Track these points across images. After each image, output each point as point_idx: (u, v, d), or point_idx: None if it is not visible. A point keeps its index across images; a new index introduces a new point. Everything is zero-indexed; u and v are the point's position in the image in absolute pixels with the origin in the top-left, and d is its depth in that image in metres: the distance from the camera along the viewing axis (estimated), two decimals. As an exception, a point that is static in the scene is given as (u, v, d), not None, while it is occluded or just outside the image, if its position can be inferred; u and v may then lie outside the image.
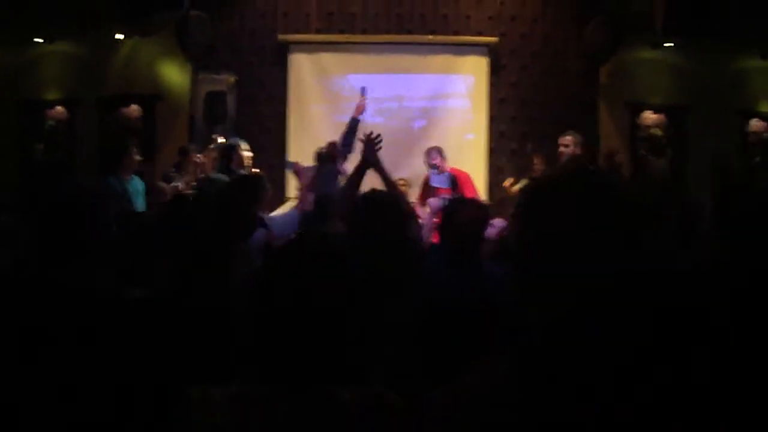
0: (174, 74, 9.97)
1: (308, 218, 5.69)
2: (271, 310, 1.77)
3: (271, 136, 9.68)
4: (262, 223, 5.00)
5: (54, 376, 2.51)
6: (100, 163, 9.55)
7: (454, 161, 8.24)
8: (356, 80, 9.48)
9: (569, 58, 9.87)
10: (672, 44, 9.44)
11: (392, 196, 4.54)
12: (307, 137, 9.47)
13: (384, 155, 9.04)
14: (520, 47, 9.93)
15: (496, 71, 9.88)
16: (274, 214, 6.00)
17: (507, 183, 8.42)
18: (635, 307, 1.49)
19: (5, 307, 2.64)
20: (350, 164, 6.00)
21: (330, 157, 7.33)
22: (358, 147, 5.48)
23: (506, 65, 9.94)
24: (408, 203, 6.43)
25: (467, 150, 9.59)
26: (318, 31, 9.92)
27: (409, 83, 9.85)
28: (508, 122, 9.85)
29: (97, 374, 2.53)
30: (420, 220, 6.67)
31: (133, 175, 7.80)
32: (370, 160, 4.64)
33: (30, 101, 10.19)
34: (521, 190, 7.92)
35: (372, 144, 5.15)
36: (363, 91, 7.25)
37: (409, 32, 9.89)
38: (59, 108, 10.12)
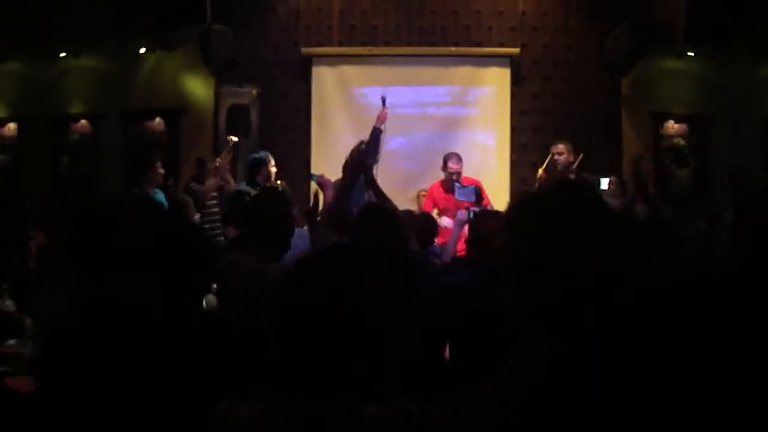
0: (197, 88, 10.03)
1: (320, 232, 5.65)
2: (295, 324, 1.77)
3: (294, 149, 9.71)
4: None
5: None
6: (124, 176, 9.63)
7: (476, 173, 8.25)
8: (379, 92, 9.52)
9: (591, 69, 9.85)
10: (694, 54, 9.42)
11: (392, 209, 4.60)
12: (330, 149, 9.49)
13: (405, 167, 9.14)
14: (542, 58, 9.93)
15: (517, 82, 9.88)
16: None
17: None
18: (636, 312, 1.51)
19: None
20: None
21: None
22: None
23: (528, 76, 9.93)
24: (431, 219, 6.47)
25: (489, 161, 9.59)
26: (340, 44, 9.95)
27: (432, 95, 9.86)
28: (530, 134, 9.84)
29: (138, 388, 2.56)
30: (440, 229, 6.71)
31: (156, 189, 7.84)
32: (365, 169, 4.69)
33: (55, 115, 10.27)
34: (509, 205, 7.85)
35: (365, 153, 5.21)
36: (383, 100, 7.24)
37: (432, 44, 9.89)
38: (83, 122, 10.22)
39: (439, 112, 9.87)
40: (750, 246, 2.66)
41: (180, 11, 8.69)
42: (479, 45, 9.91)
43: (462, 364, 3.75)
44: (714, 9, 8.46)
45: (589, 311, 1.41)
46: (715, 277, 2.28)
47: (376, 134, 7.04)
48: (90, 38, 9.68)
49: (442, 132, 9.73)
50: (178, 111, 10.03)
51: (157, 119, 10.00)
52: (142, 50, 9.73)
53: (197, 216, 7.56)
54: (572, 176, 7.71)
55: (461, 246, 6.64)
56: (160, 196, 7.86)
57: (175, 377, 2.59)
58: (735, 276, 2.37)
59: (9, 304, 5.75)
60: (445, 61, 9.88)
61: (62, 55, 10.04)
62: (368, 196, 6.05)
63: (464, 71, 9.89)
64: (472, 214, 6.61)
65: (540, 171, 8.29)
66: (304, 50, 9.90)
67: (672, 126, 9.88)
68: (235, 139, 8.13)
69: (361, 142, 6.68)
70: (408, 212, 7.00)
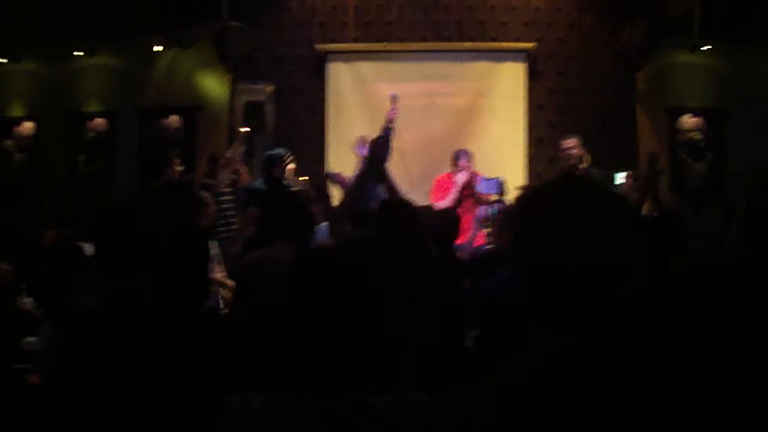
0: (213, 85, 10.06)
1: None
2: (305, 316, 1.81)
3: (310, 145, 9.72)
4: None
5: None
6: (140, 174, 9.67)
7: (492, 168, 8.26)
8: (393, 89, 9.55)
9: (606, 63, 9.84)
10: (709, 48, 9.41)
11: (409, 203, 4.63)
12: (346, 146, 9.48)
13: (421, 162, 9.14)
14: (557, 53, 9.92)
15: (533, 77, 9.88)
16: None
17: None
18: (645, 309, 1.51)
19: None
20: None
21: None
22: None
23: (543, 71, 9.93)
24: (454, 214, 6.49)
25: (506, 157, 9.58)
26: (355, 40, 9.97)
27: (447, 90, 9.86)
28: (546, 129, 9.84)
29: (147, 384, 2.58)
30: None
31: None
32: (380, 161, 4.72)
33: (71, 113, 10.32)
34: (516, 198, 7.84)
35: (381, 146, 5.23)
36: (393, 99, 7.23)
37: (446, 40, 9.90)
38: (99, 120, 10.25)
39: (455, 107, 9.86)
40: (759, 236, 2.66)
41: (195, 8, 8.72)
42: (494, 40, 9.91)
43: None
44: (728, 2, 8.43)
45: (594, 306, 1.41)
46: (721, 270, 2.24)
47: (386, 134, 7.02)
48: (105, 36, 9.71)
49: (457, 127, 9.74)
50: (194, 108, 10.05)
51: (173, 116, 10.01)
52: (158, 48, 9.76)
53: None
54: (582, 171, 7.71)
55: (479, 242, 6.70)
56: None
57: (186, 372, 2.62)
58: (743, 267, 2.35)
59: (27, 302, 5.81)
60: (460, 57, 9.87)
61: (78, 53, 10.08)
62: (381, 190, 6.07)
63: (479, 66, 9.89)
64: (491, 212, 6.65)
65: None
66: (319, 47, 9.92)
67: (687, 120, 9.85)
68: (246, 130, 8.12)
69: (378, 136, 6.70)
70: (427, 208, 7.04)
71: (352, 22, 9.95)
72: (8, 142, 10.26)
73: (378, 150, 6.19)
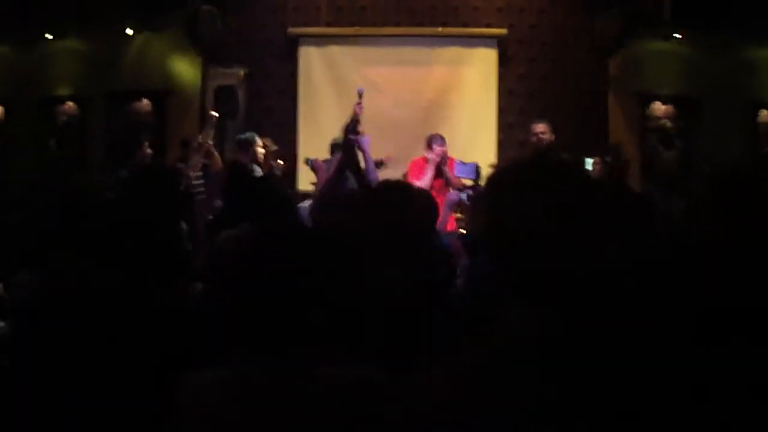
0: (184, 69, 9.99)
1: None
2: (250, 291, 1.81)
3: (281, 130, 9.66)
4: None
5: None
6: (111, 157, 9.61)
7: (463, 153, 8.25)
8: (365, 74, 9.58)
9: (578, 50, 9.86)
10: (681, 36, 9.45)
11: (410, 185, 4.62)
12: (317, 130, 9.50)
13: (393, 147, 9.14)
14: (529, 39, 9.93)
15: (504, 63, 9.89)
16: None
17: None
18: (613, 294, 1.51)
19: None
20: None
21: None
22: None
23: (515, 57, 9.94)
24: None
25: (476, 142, 9.59)
26: (328, 25, 9.94)
27: (419, 75, 9.86)
28: (516, 114, 9.86)
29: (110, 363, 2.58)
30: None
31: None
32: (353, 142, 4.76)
33: (42, 98, 10.24)
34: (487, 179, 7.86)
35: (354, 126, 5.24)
36: (359, 94, 7.16)
37: (420, 24, 9.89)
38: (70, 104, 10.18)
39: (426, 92, 9.86)
40: (719, 219, 2.67)
41: (167, -8, 8.69)
42: (466, 25, 9.91)
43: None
44: (700, -8, 8.51)
45: (567, 284, 1.41)
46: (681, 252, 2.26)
47: (352, 125, 6.91)
48: (76, 20, 9.61)
49: (428, 112, 9.74)
50: (165, 92, 9.98)
51: (144, 101, 9.96)
52: (129, 32, 9.68)
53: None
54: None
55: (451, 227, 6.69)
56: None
57: (139, 353, 2.61)
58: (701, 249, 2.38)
59: (-1, 287, 5.75)
60: (433, 42, 9.87)
61: (48, 37, 9.98)
62: (352, 180, 6.08)
63: (451, 51, 9.89)
64: (466, 197, 6.61)
65: None
66: (292, 31, 9.88)
67: (659, 107, 9.91)
68: (216, 114, 8.07)
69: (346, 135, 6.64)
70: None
71: (325, 6, 9.91)
72: (-23, 127, 10.18)
73: (348, 148, 6.22)
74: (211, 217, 7.26)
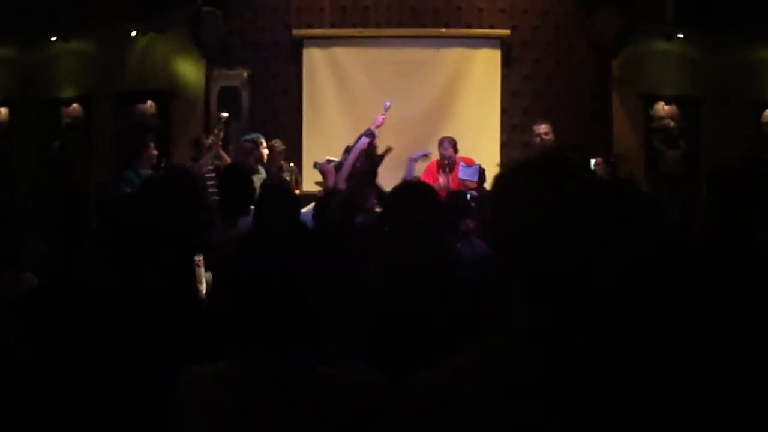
0: (188, 70, 10.01)
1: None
2: (248, 290, 1.81)
3: (285, 131, 9.67)
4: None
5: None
6: (116, 159, 9.61)
7: (467, 154, 8.28)
8: (369, 75, 9.62)
9: (581, 50, 9.87)
10: (683, 36, 9.46)
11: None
12: (321, 131, 9.54)
13: (397, 148, 9.14)
14: (532, 40, 9.95)
15: (508, 64, 9.91)
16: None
17: None
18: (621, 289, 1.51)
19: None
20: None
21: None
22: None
23: (518, 58, 9.96)
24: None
25: (479, 143, 9.60)
26: (332, 26, 9.96)
27: (423, 76, 9.87)
28: (520, 115, 9.87)
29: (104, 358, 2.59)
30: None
31: (150, 170, 7.83)
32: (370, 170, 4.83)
33: (46, 99, 10.26)
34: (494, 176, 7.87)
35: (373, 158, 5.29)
36: (385, 107, 7.19)
37: (423, 26, 9.90)
38: (75, 105, 10.20)
39: (429, 94, 9.87)
40: (719, 215, 2.69)
41: (170, -6, 8.71)
42: (469, 27, 9.93)
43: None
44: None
45: (572, 281, 1.41)
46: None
47: (368, 134, 6.89)
48: (80, 22, 9.65)
49: (432, 113, 9.76)
50: (170, 93, 10.00)
51: (149, 102, 9.99)
52: (133, 33, 9.71)
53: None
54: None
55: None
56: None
57: (139, 349, 2.62)
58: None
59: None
60: (436, 43, 9.89)
61: (53, 39, 10.01)
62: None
63: (455, 53, 9.91)
64: (469, 196, 6.65)
65: None
66: (296, 32, 9.90)
67: (662, 107, 9.92)
68: (226, 115, 8.10)
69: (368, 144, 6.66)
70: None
71: (329, 7, 9.93)
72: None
73: (369, 158, 6.23)
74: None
